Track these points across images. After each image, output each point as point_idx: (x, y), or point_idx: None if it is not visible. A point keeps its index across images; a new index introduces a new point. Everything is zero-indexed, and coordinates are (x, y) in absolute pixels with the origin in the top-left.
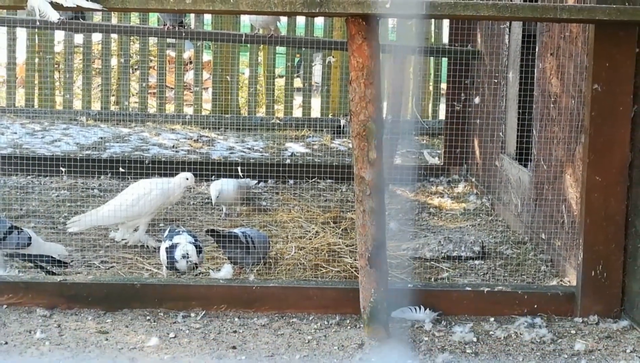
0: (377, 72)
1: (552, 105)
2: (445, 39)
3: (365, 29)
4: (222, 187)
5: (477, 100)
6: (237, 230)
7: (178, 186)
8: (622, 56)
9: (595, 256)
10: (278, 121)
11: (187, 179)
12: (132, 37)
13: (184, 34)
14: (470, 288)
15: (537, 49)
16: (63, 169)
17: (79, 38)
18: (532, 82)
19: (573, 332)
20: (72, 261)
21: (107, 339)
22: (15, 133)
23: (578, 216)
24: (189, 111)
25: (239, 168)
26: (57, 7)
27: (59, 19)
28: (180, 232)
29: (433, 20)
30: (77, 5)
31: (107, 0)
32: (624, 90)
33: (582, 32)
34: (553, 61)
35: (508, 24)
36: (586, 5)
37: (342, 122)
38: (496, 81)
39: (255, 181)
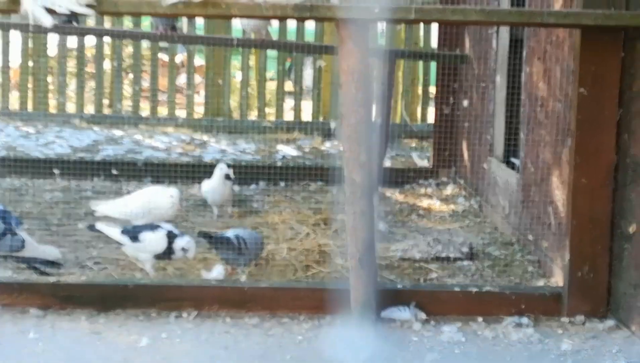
0: (367, 76)
1: (539, 109)
2: (434, 43)
3: (355, 33)
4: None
5: (465, 103)
6: (229, 233)
7: (163, 203)
8: (608, 60)
9: (581, 257)
10: (269, 124)
11: (172, 196)
12: (124, 41)
13: (176, 38)
14: (458, 289)
15: (524, 54)
16: (56, 172)
17: (72, 42)
18: (520, 86)
19: (560, 331)
20: (65, 262)
21: (100, 339)
22: (9, 136)
23: (565, 218)
24: (181, 114)
25: (231, 171)
26: (50, 11)
27: (53, 24)
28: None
29: (422, 25)
30: (71, 11)
31: (100, 4)
32: (609, 94)
33: (569, 37)
34: (540, 65)
35: (496, 28)
36: (572, 11)
37: (333, 125)
38: (484, 84)
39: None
